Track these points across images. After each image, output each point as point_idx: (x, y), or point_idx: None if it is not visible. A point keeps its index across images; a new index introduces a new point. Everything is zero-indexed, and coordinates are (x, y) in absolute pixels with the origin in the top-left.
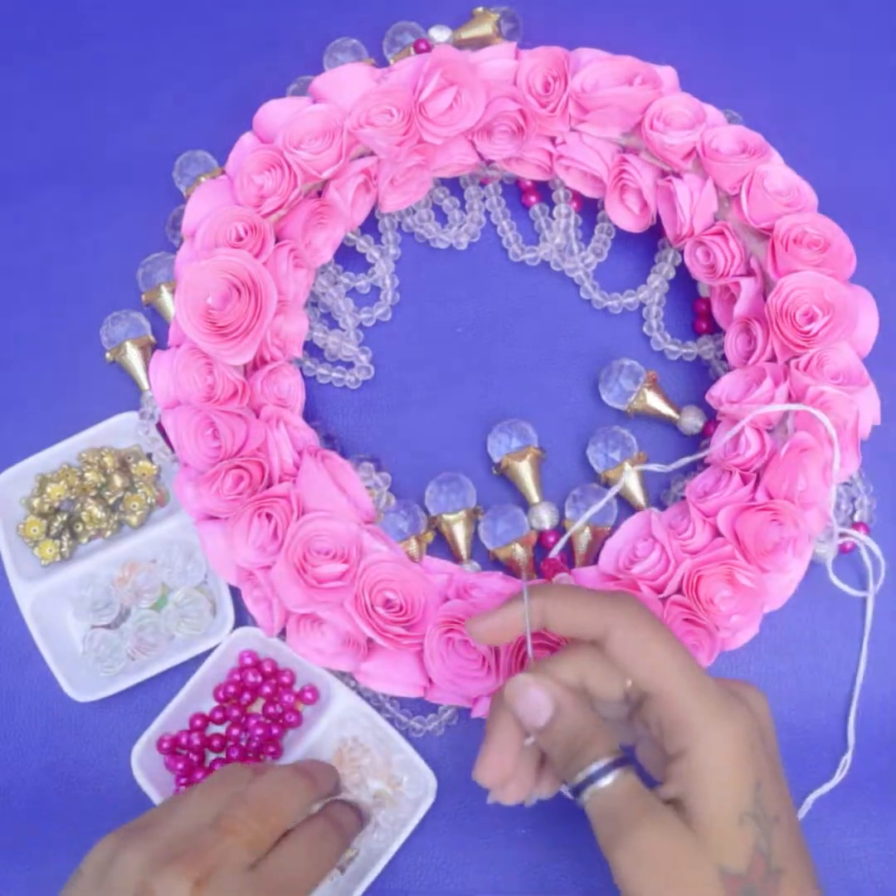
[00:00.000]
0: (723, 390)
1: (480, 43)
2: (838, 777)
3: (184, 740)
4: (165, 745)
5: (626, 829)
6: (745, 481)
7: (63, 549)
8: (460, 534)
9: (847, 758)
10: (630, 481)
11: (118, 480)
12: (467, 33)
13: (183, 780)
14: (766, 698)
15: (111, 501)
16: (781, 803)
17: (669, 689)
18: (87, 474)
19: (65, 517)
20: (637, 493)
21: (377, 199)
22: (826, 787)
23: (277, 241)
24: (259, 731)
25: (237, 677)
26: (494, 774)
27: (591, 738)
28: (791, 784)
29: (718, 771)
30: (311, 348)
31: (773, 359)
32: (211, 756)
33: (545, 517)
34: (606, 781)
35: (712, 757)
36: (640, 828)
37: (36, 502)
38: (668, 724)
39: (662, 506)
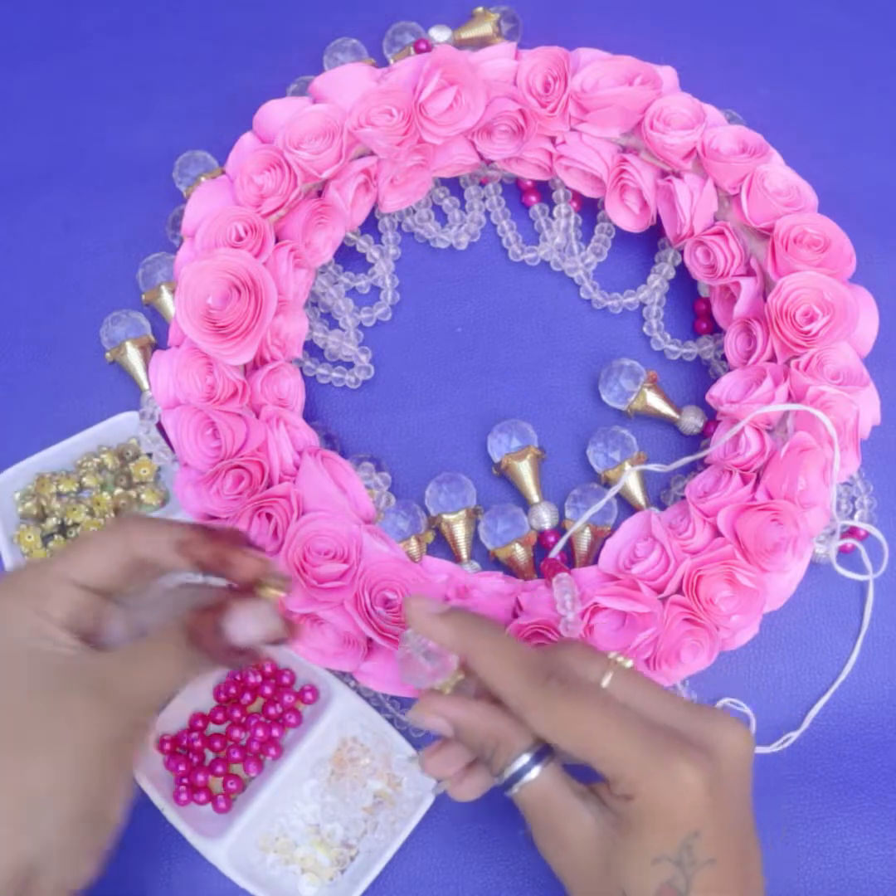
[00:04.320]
0: (723, 390)
1: (480, 43)
2: (776, 748)
3: (184, 740)
4: (166, 745)
5: (550, 826)
6: (745, 481)
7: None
8: (460, 534)
9: (792, 734)
10: (630, 481)
11: (117, 487)
12: (467, 33)
13: (183, 781)
14: (745, 734)
15: (110, 505)
16: (726, 846)
17: (603, 756)
18: (84, 478)
19: (57, 522)
20: (637, 494)
21: (377, 199)
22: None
23: (277, 241)
24: (259, 732)
25: (237, 677)
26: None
27: (504, 739)
28: (788, 780)
29: (647, 819)
30: (311, 348)
31: (773, 359)
32: (211, 756)
33: (545, 517)
34: (530, 776)
35: (645, 806)
36: (561, 828)
37: (28, 506)
38: (608, 776)
39: (662, 506)
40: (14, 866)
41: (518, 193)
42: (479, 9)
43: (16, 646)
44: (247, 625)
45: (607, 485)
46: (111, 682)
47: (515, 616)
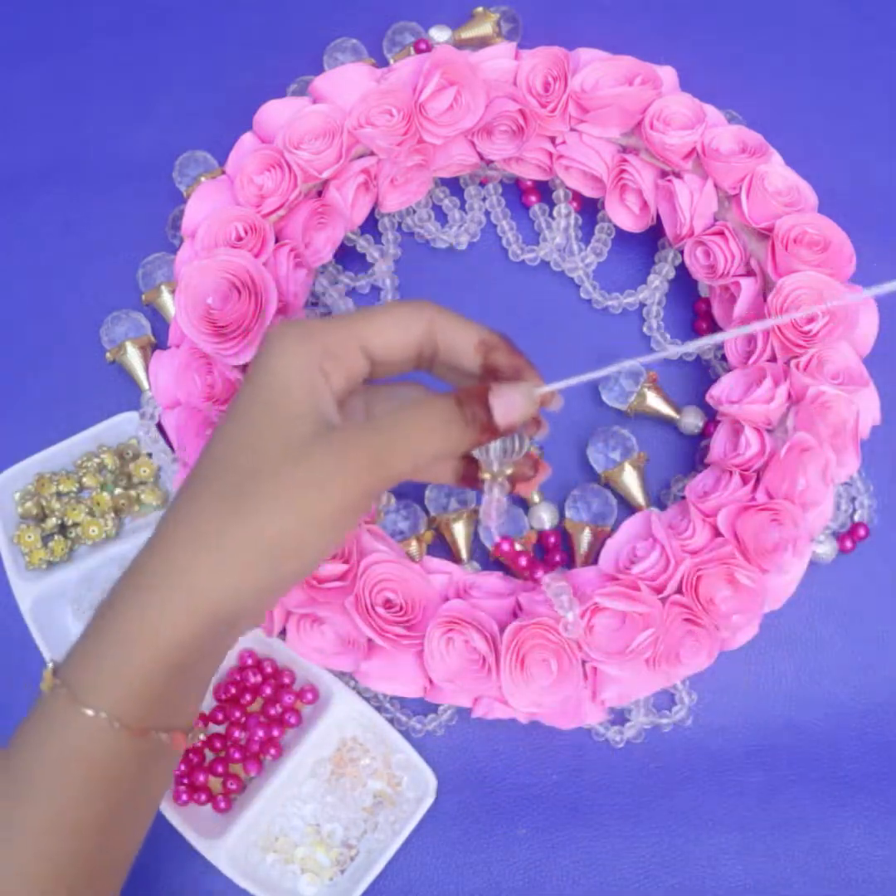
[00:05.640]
0: (723, 390)
1: (480, 43)
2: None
3: None
4: None
5: None
6: (745, 481)
7: (52, 558)
8: (460, 534)
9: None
10: (630, 481)
11: (117, 487)
12: (467, 33)
13: (183, 781)
14: None
15: (110, 505)
16: None
17: None
18: (84, 478)
19: (57, 522)
20: (637, 494)
21: (377, 199)
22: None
23: (277, 241)
24: (259, 732)
25: (237, 678)
26: None
27: None
28: (788, 780)
29: None
30: None
31: (773, 359)
32: (210, 756)
33: (545, 517)
34: None
35: None
36: None
37: (28, 506)
38: None
39: (662, 506)
40: (225, 612)
41: (518, 193)
42: (479, 9)
43: (288, 397)
44: (513, 400)
45: (607, 485)
46: (377, 450)
47: (515, 616)
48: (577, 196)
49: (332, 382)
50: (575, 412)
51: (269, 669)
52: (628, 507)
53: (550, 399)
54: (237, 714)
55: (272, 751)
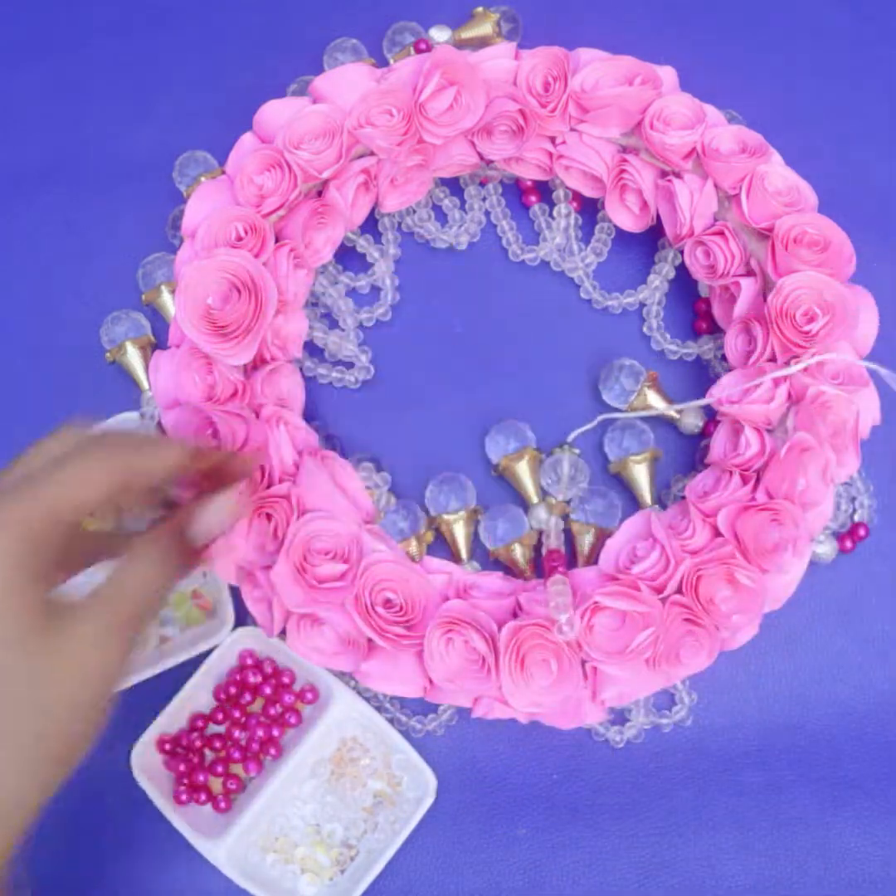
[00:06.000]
0: (723, 390)
1: (480, 43)
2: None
3: (184, 740)
4: (166, 745)
5: None
6: (745, 481)
7: None
8: (460, 534)
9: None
10: (640, 477)
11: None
12: (467, 33)
13: (183, 781)
14: None
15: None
16: None
17: None
18: None
19: None
20: (645, 489)
21: (377, 199)
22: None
23: (277, 241)
24: (259, 732)
25: (237, 677)
26: None
27: None
28: (788, 780)
29: None
30: (311, 348)
31: (772, 359)
32: (211, 756)
33: (545, 517)
34: None
35: None
36: None
37: None
38: None
39: (662, 506)
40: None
41: (518, 193)
42: (479, 9)
43: (15, 596)
44: (209, 523)
45: (616, 476)
46: (124, 620)
47: (515, 616)
48: (577, 196)
49: (50, 558)
50: (575, 412)
51: (269, 669)
52: (635, 504)
53: (244, 502)
54: (237, 714)
55: (272, 751)
